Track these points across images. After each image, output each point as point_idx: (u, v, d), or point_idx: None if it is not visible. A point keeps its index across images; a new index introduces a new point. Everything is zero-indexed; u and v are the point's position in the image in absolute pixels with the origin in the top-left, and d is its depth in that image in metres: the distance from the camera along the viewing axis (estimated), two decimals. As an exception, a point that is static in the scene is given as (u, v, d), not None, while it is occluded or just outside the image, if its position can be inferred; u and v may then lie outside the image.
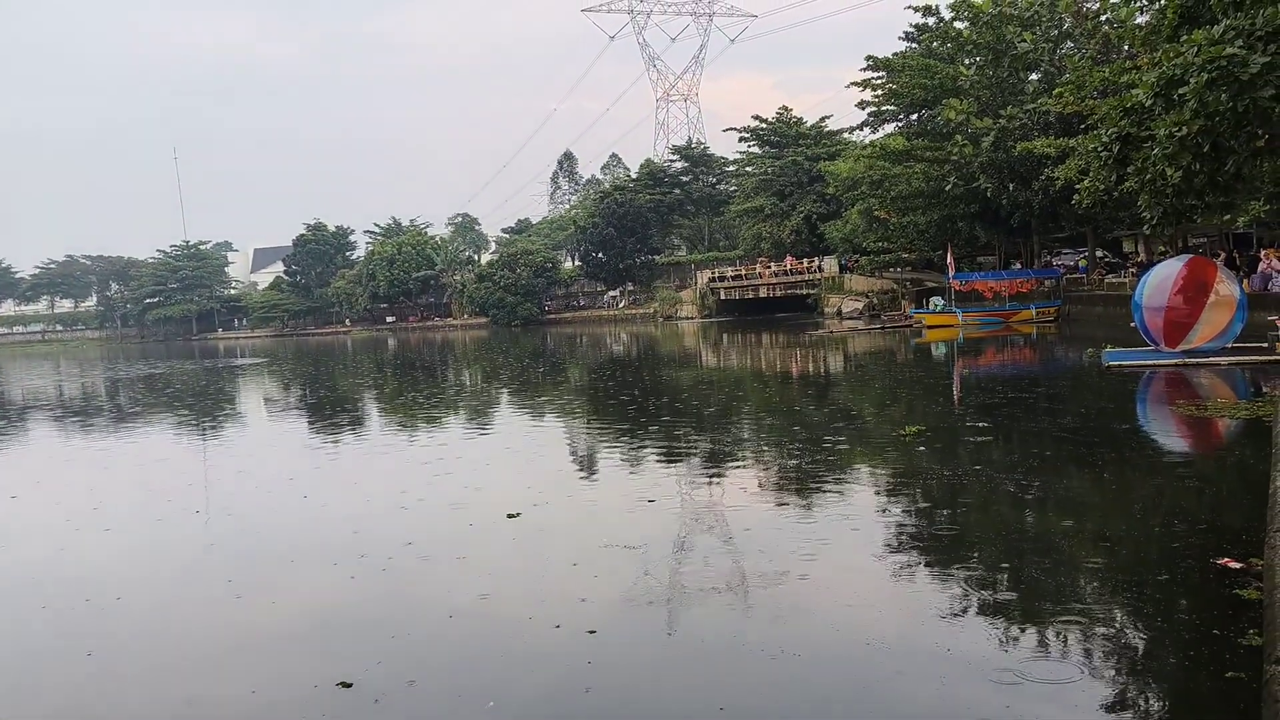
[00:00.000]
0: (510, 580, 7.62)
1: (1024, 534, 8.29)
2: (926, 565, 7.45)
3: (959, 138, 38.67)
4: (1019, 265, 45.33)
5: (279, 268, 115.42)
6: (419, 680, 5.70)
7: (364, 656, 6.04)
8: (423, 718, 5.30)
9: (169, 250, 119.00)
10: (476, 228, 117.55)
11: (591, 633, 6.30)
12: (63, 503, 12.29)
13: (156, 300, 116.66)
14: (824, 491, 10.36)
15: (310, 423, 21.01)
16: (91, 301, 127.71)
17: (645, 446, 14.24)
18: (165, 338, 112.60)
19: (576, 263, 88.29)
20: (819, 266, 60.69)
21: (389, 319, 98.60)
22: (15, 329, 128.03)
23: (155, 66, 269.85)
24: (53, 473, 15.52)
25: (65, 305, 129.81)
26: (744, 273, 67.28)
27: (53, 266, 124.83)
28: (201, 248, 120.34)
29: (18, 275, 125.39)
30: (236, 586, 7.94)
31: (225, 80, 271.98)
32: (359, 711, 5.30)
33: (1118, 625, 6.04)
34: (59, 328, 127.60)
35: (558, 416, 19.56)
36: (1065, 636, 5.84)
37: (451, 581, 7.71)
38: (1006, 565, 7.39)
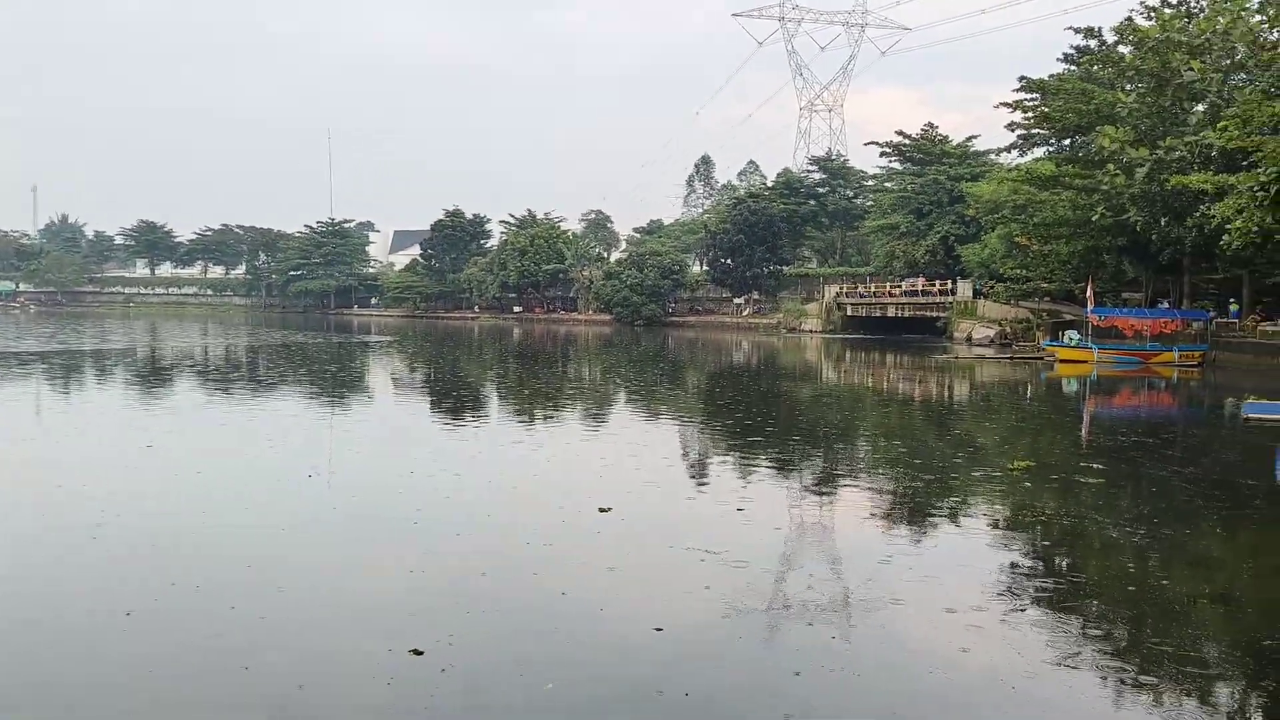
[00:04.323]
0: (592, 572, 7.72)
1: (1121, 581, 7.90)
2: (1026, 610, 7.21)
3: (1111, 166, 36.98)
4: (1166, 304, 43.09)
5: (415, 250, 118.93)
6: (483, 654, 5.97)
7: (438, 631, 6.24)
8: (483, 686, 5.54)
9: (315, 226, 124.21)
10: (608, 225, 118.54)
11: (658, 630, 6.34)
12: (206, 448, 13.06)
13: (300, 273, 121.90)
14: (918, 518, 10.12)
15: (432, 405, 21.73)
16: (241, 269, 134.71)
17: (752, 457, 14.17)
18: (304, 309, 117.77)
19: (704, 267, 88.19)
20: (951, 289, 58.98)
21: (516, 309, 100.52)
22: (170, 290, 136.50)
23: (324, 53, 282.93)
24: (196, 429, 16.48)
25: (217, 271, 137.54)
26: (873, 289, 66.01)
27: (209, 233, 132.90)
28: (345, 226, 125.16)
29: (177, 240, 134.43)
30: (344, 553, 8.30)
31: (388, 68, 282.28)
32: (429, 676, 5.54)
33: (1229, 689, 5.73)
34: (209, 292, 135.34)
35: (669, 419, 19.67)
36: (1168, 697, 5.56)
37: (533, 569, 7.86)
38: (1088, 614, 7.08)
